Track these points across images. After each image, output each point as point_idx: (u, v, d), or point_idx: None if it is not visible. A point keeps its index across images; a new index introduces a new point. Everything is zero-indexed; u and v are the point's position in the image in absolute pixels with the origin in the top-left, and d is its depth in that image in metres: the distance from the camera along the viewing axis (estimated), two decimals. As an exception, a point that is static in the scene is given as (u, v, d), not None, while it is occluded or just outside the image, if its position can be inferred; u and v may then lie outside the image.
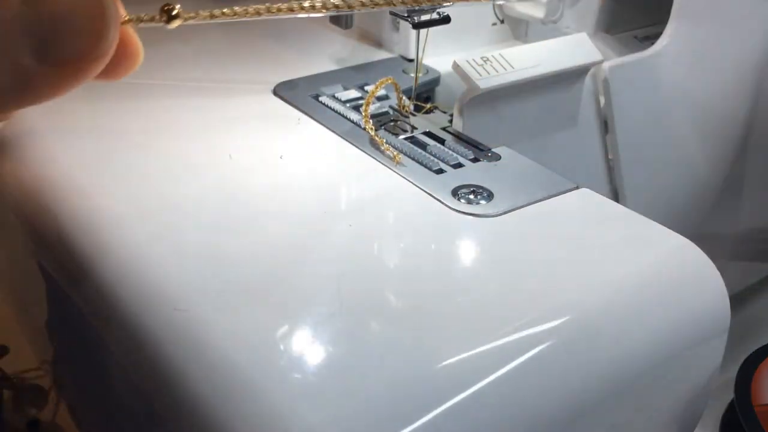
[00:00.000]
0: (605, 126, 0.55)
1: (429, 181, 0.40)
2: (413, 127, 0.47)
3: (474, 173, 0.41)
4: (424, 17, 0.47)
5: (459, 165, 0.42)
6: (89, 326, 0.35)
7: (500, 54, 0.46)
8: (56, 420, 0.66)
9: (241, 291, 0.31)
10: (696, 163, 0.57)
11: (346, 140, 0.44)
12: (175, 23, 0.30)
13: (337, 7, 0.34)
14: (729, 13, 0.53)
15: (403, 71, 0.55)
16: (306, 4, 0.34)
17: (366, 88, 0.51)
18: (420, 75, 0.52)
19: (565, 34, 0.58)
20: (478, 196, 0.38)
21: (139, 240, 0.35)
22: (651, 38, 0.60)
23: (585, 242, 0.35)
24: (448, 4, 0.40)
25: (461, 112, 0.46)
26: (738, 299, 0.69)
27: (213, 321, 0.30)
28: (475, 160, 0.42)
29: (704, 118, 0.56)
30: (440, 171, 0.41)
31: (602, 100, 0.54)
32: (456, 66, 0.45)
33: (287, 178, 0.40)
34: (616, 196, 0.56)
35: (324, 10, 0.35)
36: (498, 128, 0.48)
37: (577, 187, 0.39)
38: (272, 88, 0.51)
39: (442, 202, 0.38)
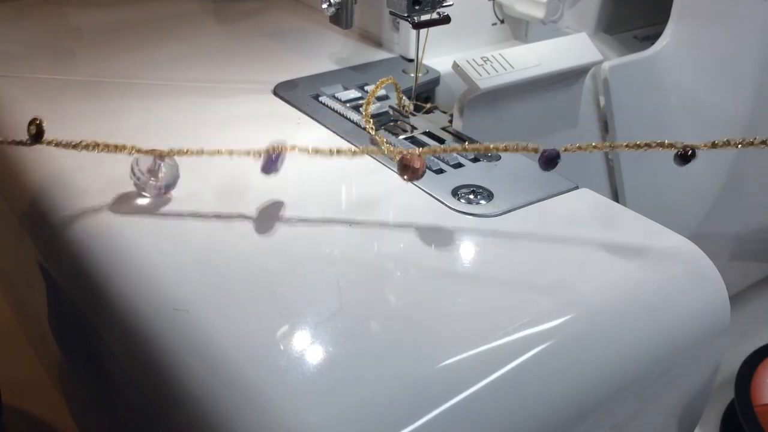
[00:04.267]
0: (605, 126, 0.55)
1: (429, 181, 0.40)
2: (413, 127, 0.47)
3: (474, 173, 0.41)
4: (424, 17, 0.47)
5: (459, 165, 0.42)
6: (89, 325, 0.35)
7: (500, 54, 0.46)
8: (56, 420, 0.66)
9: (241, 291, 0.31)
10: (696, 163, 0.57)
11: (347, 140, 0.44)
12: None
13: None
14: (729, 13, 0.53)
15: (403, 71, 0.55)
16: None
17: (366, 88, 0.51)
18: (420, 75, 0.52)
19: (565, 34, 0.58)
20: (478, 196, 0.38)
21: (138, 240, 0.35)
22: (651, 38, 0.60)
23: (585, 242, 0.35)
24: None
25: (461, 112, 0.46)
26: (738, 299, 0.69)
27: (213, 321, 0.30)
28: (475, 160, 0.42)
29: (704, 118, 0.56)
30: (440, 171, 0.41)
31: (602, 100, 0.54)
32: (456, 66, 0.45)
33: (287, 178, 0.40)
34: (616, 196, 0.56)
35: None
36: (498, 128, 0.48)
37: (577, 187, 0.39)
38: (272, 88, 0.51)
39: (442, 202, 0.38)
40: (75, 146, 0.34)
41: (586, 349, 0.30)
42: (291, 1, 0.70)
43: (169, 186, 0.37)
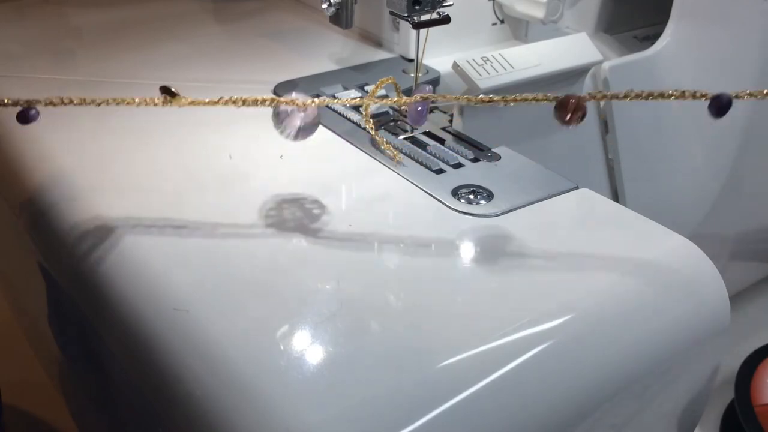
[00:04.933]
0: (605, 126, 0.55)
1: (429, 181, 0.40)
2: (413, 127, 0.47)
3: (474, 173, 0.41)
4: (424, 17, 0.47)
5: (459, 165, 0.42)
6: (89, 326, 0.35)
7: (500, 54, 0.46)
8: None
9: (241, 291, 0.31)
10: (696, 163, 0.57)
11: (347, 140, 0.44)
12: None
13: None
14: (729, 13, 0.53)
15: (403, 71, 0.55)
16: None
17: (366, 88, 0.51)
18: (420, 75, 0.52)
19: (565, 34, 0.58)
20: (478, 196, 0.38)
21: (138, 239, 0.35)
22: (651, 38, 0.60)
23: (585, 242, 0.35)
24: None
25: (461, 112, 0.46)
26: (738, 299, 0.69)
27: (213, 321, 0.30)
28: (475, 160, 0.42)
29: (704, 118, 0.56)
30: (440, 171, 0.41)
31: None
32: (456, 66, 0.45)
33: (287, 178, 0.40)
34: (616, 196, 0.56)
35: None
36: (498, 128, 0.48)
37: (577, 187, 0.39)
38: (272, 88, 0.51)
39: (442, 202, 0.38)
40: (215, 103, 0.33)
41: (586, 349, 0.30)
42: (291, 1, 0.70)
43: (305, 131, 0.35)
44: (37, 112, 0.32)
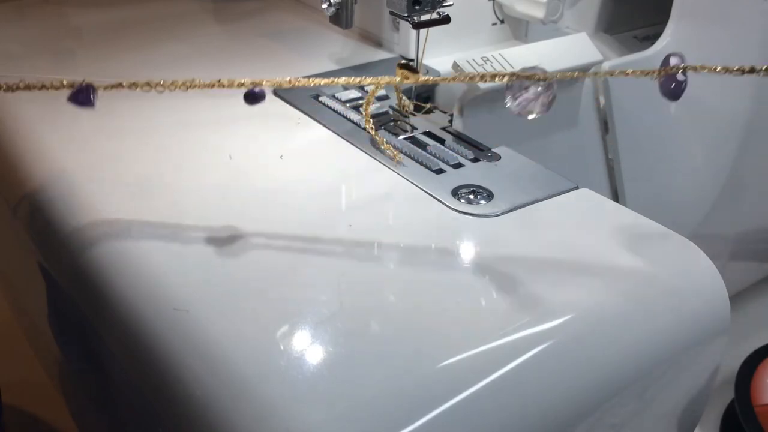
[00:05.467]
0: (605, 126, 0.55)
1: (429, 181, 0.40)
2: (413, 127, 0.47)
3: (474, 173, 0.41)
4: (424, 17, 0.47)
5: (459, 165, 0.42)
6: (89, 325, 0.35)
7: (500, 54, 0.46)
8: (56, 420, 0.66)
9: (241, 291, 0.31)
10: (696, 163, 0.57)
11: (347, 140, 0.44)
12: None
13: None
14: (729, 13, 0.53)
15: (403, 71, 0.55)
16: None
17: (366, 88, 0.51)
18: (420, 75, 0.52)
19: (565, 34, 0.58)
20: (478, 196, 0.38)
21: (139, 239, 0.35)
22: (651, 38, 0.60)
23: (585, 242, 0.35)
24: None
25: (461, 112, 0.46)
26: (738, 299, 0.69)
27: (213, 321, 0.30)
28: (475, 160, 0.42)
29: (704, 118, 0.56)
30: (440, 171, 0.41)
31: (602, 100, 0.54)
32: (456, 66, 0.45)
33: (287, 178, 0.40)
34: (616, 196, 0.56)
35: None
36: (498, 128, 0.48)
37: (577, 187, 0.39)
38: (272, 88, 0.51)
39: (442, 202, 0.38)
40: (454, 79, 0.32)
41: (586, 349, 0.30)
42: (291, 1, 0.70)
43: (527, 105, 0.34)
44: (263, 92, 0.32)
